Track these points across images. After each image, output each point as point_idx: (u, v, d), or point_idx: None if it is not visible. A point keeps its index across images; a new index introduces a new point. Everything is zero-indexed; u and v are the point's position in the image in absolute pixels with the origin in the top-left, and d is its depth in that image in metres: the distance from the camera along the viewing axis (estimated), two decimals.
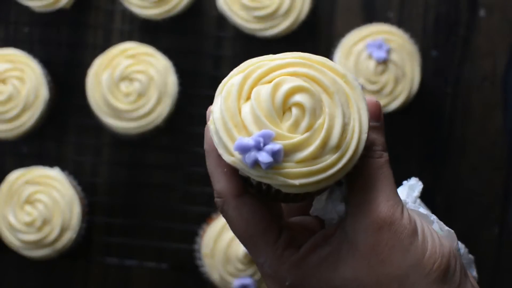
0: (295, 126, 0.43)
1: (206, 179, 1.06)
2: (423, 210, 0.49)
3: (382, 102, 0.98)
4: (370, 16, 1.06)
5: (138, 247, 1.06)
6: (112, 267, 1.07)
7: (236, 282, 0.96)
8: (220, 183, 0.46)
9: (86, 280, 1.07)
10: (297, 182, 0.42)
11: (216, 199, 0.47)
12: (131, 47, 1.00)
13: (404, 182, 0.53)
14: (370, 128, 0.45)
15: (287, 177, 0.42)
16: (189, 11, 1.05)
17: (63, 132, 1.07)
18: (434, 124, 1.06)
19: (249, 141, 0.41)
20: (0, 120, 1.00)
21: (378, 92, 0.98)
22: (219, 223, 0.98)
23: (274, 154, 0.41)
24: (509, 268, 1.05)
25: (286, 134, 0.42)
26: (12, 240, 0.99)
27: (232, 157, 0.42)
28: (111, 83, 0.99)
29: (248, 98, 0.44)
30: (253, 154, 0.41)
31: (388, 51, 0.98)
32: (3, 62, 1.01)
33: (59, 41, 1.08)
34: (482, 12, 1.06)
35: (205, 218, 1.03)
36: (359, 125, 0.43)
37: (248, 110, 0.43)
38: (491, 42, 1.06)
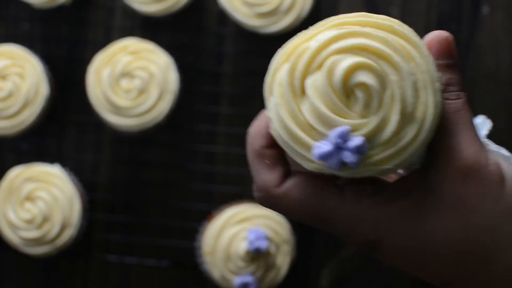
0: (366, 108, 0.39)
1: (207, 176, 1.06)
2: (505, 152, 0.44)
3: None
4: (372, 12, 1.05)
5: (138, 244, 1.06)
6: (112, 264, 1.06)
7: (237, 279, 0.95)
8: (261, 175, 0.43)
9: (86, 277, 1.07)
10: (390, 165, 0.39)
11: (257, 194, 0.43)
12: (132, 43, 0.99)
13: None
14: (442, 67, 0.41)
15: (380, 164, 0.39)
16: (190, 7, 1.04)
17: (64, 129, 1.07)
18: None
19: (327, 146, 0.38)
20: (0, 116, 1.00)
21: None
22: (220, 220, 0.98)
23: (359, 149, 0.38)
24: None
25: (360, 121, 0.38)
26: (12, 237, 0.99)
27: (313, 164, 0.39)
28: (111, 79, 0.98)
29: (303, 92, 0.39)
30: (337, 157, 0.38)
31: None
32: (3, 59, 1.00)
33: (59, 38, 1.07)
34: (485, 9, 1.05)
35: (205, 216, 1.03)
36: (429, 77, 0.39)
37: (308, 107, 0.39)
38: (494, 40, 1.05)
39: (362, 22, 0.41)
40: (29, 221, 0.98)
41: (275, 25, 0.99)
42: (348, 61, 0.38)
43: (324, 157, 0.38)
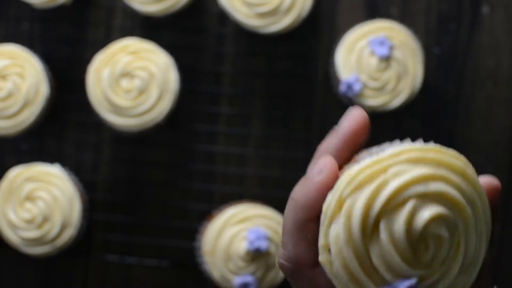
0: (434, 257, 0.37)
1: (207, 176, 1.06)
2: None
3: (384, 99, 0.98)
4: (372, 12, 1.05)
5: (138, 244, 1.06)
6: (112, 264, 1.06)
7: (237, 279, 0.95)
8: (297, 248, 0.40)
9: (86, 277, 1.07)
10: None
11: (286, 264, 0.40)
12: (132, 43, 0.99)
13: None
14: None
15: None
16: (191, 7, 1.04)
17: (64, 129, 1.07)
18: (437, 121, 1.06)
19: None
20: (0, 116, 1.00)
21: (380, 89, 0.98)
22: (220, 220, 0.97)
23: None
24: (511, 266, 1.05)
25: (426, 272, 0.37)
26: (12, 237, 0.99)
27: None
28: (111, 79, 0.98)
29: (374, 232, 0.37)
30: None
31: (391, 48, 0.97)
32: (3, 59, 1.00)
33: (59, 38, 1.07)
34: (485, 9, 1.05)
35: (205, 216, 1.03)
36: (486, 227, 0.38)
37: (379, 251, 0.37)
38: (494, 39, 1.05)
39: (438, 161, 0.38)
40: (29, 221, 0.98)
41: (275, 25, 0.99)
42: (431, 210, 0.36)
43: None
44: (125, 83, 0.98)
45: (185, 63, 1.04)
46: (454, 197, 0.37)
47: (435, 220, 0.36)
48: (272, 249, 0.96)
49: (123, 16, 1.07)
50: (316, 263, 0.39)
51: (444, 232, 0.37)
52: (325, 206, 0.38)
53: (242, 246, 0.95)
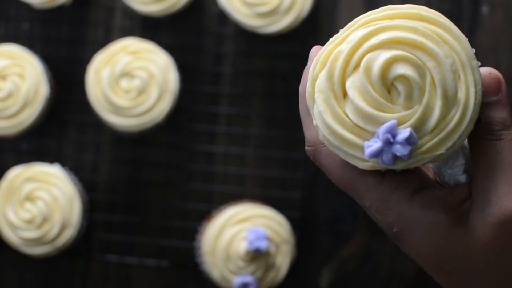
0: (408, 99, 0.39)
1: (206, 176, 1.06)
2: None
3: None
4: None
5: (138, 244, 1.06)
6: (112, 264, 1.06)
7: (237, 279, 0.95)
8: (310, 130, 0.43)
9: (86, 278, 1.07)
10: (443, 150, 0.39)
11: (307, 148, 0.44)
12: (131, 43, 0.99)
13: None
14: (487, 104, 0.41)
15: (432, 151, 0.39)
16: (190, 7, 1.04)
17: (63, 128, 1.07)
18: None
19: (377, 143, 0.38)
20: (0, 116, 1.00)
21: None
22: (220, 220, 0.97)
23: (409, 141, 0.38)
24: None
25: (405, 113, 0.39)
26: (12, 237, 0.99)
27: (367, 163, 0.40)
28: (111, 79, 0.98)
29: (345, 95, 0.40)
30: (388, 153, 0.38)
31: None
32: (3, 58, 1.00)
33: (59, 38, 1.07)
34: (485, 9, 1.05)
35: (205, 216, 1.03)
36: (466, 56, 0.40)
37: (352, 108, 0.40)
38: (494, 39, 1.05)
39: (389, 16, 0.41)
40: (29, 221, 0.98)
41: (275, 25, 0.99)
42: (384, 56, 0.39)
43: (376, 154, 0.39)
44: (125, 83, 0.98)
45: (185, 63, 1.04)
46: (409, 38, 0.39)
47: (392, 62, 0.39)
48: (272, 249, 0.96)
49: (123, 16, 1.07)
50: None
51: (407, 71, 0.39)
52: (307, 89, 0.42)
53: (242, 246, 0.95)
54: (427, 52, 0.39)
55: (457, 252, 0.41)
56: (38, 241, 0.98)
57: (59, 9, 1.05)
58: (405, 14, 0.41)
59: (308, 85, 0.41)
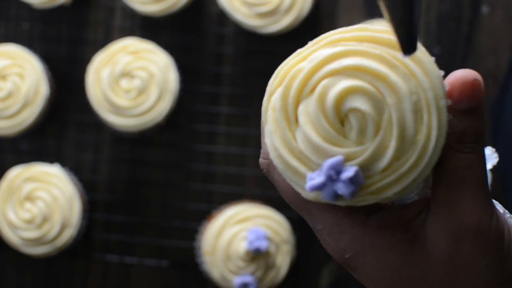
0: (361, 134, 0.36)
1: (206, 176, 1.06)
2: (499, 207, 0.41)
3: None
4: (372, 12, 1.05)
5: (138, 244, 1.06)
6: (112, 264, 1.06)
7: (237, 279, 0.95)
8: (265, 144, 0.40)
9: (86, 278, 1.07)
10: (391, 194, 0.36)
11: (261, 160, 0.41)
12: (131, 43, 0.99)
13: None
14: (461, 112, 0.37)
15: (379, 193, 0.36)
16: (190, 7, 1.04)
17: (63, 128, 1.07)
18: None
19: (319, 178, 0.36)
20: (0, 116, 1.00)
21: None
22: (220, 220, 0.97)
23: (352, 180, 0.36)
24: None
25: (355, 150, 0.36)
26: (12, 237, 0.99)
27: (310, 194, 0.37)
28: (111, 79, 0.98)
29: (296, 118, 0.37)
30: (330, 190, 0.36)
31: None
32: (3, 58, 1.00)
33: (59, 38, 1.07)
34: (485, 9, 1.05)
35: (205, 216, 1.03)
36: (433, 95, 0.36)
37: (302, 137, 0.37)
38: (493, 39, 1.05)
39: (359, 37, 0.37)
40: (29, 221, 0.98)
41: (275, 25, 0.99)
42: (340, 85, 0.36)
43: (317, 188, 0.36)
44: (125, 83, 0.98)
45: (185, 63, 1.04)
46: (372, 68, 0.36)
47: (349, 93, 0.36)
48: (272, 249, 0.96)
49: (123, 16, 1.07)
50: None
51: (362, 105, 0.35)
52: (263, 102, 0.39)
53: (242, 246, 0.95)
54: (390, 86, 0.36)
55: (414, 274, 0.38)
56: (38, 241, 0.98)
57: (59, 9, 1.05)
58: (376, 38, 0.37)
59: (264, 99, 0.38)
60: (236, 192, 1.05)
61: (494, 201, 0.41)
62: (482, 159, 0.38)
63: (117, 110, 0.98)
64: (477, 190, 0.37)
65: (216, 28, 1.07)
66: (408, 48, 0.34)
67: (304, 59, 0.38)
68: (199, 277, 1.04)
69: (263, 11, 0.98)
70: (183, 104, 1.04)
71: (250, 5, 0.98)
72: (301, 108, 0.37)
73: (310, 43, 0.38)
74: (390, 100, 0.36)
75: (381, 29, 0.37)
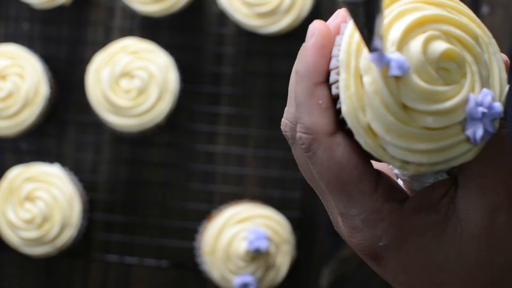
0: (455, 76, 0.37)
1: (206, 176, 1.06)
2: None
3: None
4: None
5: (138, 244, 1.06)
6: (112, 264, 1.06)
7: (237, 279, 0.95)
8: (311, 116, 0.38)
9: (86, 278, 1.07)
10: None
11: (302, 135, 0.39)
12: (131, 43, 0.99)
13: None
14: None
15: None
16: (190, 7, 1.04)
17: (63, 129, 1.07)
18: None
19: (478, 124, 0.36)
20: (0, 116, 1.00)
21: None
22: (220, 220, 0.97)
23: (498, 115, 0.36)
24: None
25: (454, 86, 0.36)
26: (11, 237, 0.99)
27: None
28: (111, 79, 0.98)
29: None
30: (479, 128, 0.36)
31: None
32: (3, 58, 1.00)
33: (59, 38, 1.07)
34: (485, 9, 1.05)
35: (205, 216, 1.03)
36: (498, 76, 0.38)
37: (405, 87, 0.36)
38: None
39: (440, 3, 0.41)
40: (29, 221, 0.98)
41: (275, 25, 0.99)
42: (444, 44, 0.37)
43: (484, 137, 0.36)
44: (125, 83, 0.98)
45: (185, 63, 1.04)
46: (462, 38, 0.39)
47: (446, 54, 0.37)
48: (272, 249, 0.96)
49: (123, 16, 1.07)
50: (331, 133, 0.38)
51: (453, 66, 0.37)
52: (342, 55, 0.37)
53: (242, 246, 0.95)
54: (469, 49, 0.40)
55: (449, 254, 0.38)
56: (38, 241, 0.98)
57: (59, 9, 1.05)
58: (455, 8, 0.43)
59: (345, 45, 0.37)
60: (236, 192, 1.05)
61: None
62: (509, 136, 0.38)
63: (117, 110, 0.98)
64: (508, 162, 0.38)
65: (216, 28, 1.07)
66: (371, 47, 0.35)
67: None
68: (199, 277, 1.04)
69: (263, 11, 0.98)
70: (183, 104, 1.04)
71: (250, 5, 0.98)
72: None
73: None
74: (469, 59, 0.38)
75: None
